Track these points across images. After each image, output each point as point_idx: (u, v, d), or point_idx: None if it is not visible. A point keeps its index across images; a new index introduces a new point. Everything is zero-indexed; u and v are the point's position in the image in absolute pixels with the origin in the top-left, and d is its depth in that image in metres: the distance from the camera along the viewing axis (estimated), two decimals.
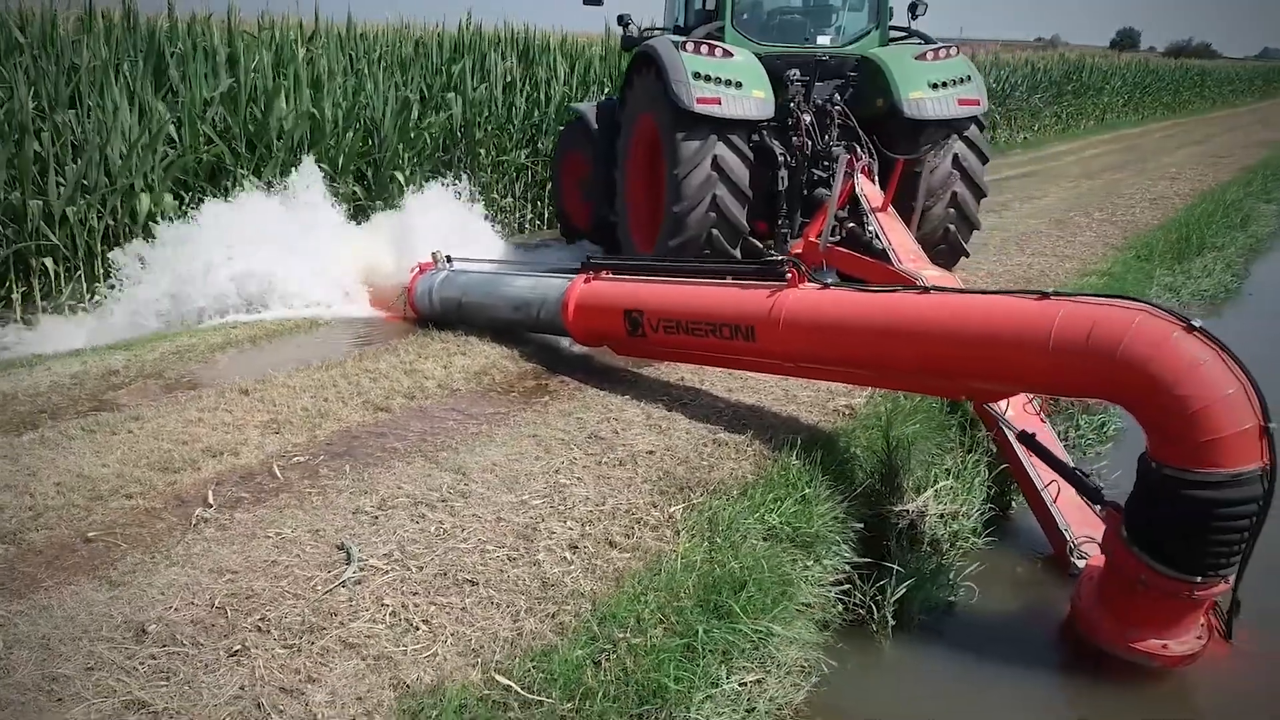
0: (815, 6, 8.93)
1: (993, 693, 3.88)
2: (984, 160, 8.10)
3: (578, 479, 4.28)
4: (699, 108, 7.24)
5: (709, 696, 3.10)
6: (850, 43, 8.54)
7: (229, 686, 2.74)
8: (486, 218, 9.72)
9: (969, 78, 7.94)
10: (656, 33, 9.28)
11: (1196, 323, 3.59)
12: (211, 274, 7.51)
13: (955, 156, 7.90)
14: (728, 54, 7.56)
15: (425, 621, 3.11)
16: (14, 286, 7.35)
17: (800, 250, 7.42)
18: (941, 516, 4.78)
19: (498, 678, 2.84)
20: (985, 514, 5.09)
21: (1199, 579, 3.67)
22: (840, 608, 4.15)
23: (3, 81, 7.53)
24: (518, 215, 13.52)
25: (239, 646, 2.92)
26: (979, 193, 8.10)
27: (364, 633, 3.03)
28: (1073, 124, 28.41)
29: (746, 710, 3.22)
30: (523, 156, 13.01)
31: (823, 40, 8.52)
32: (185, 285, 7.50)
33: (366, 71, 11.20)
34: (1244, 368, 3.53)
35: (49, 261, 7.42)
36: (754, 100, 7.44)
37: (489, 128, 12.61)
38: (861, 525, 4.45)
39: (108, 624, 3.02)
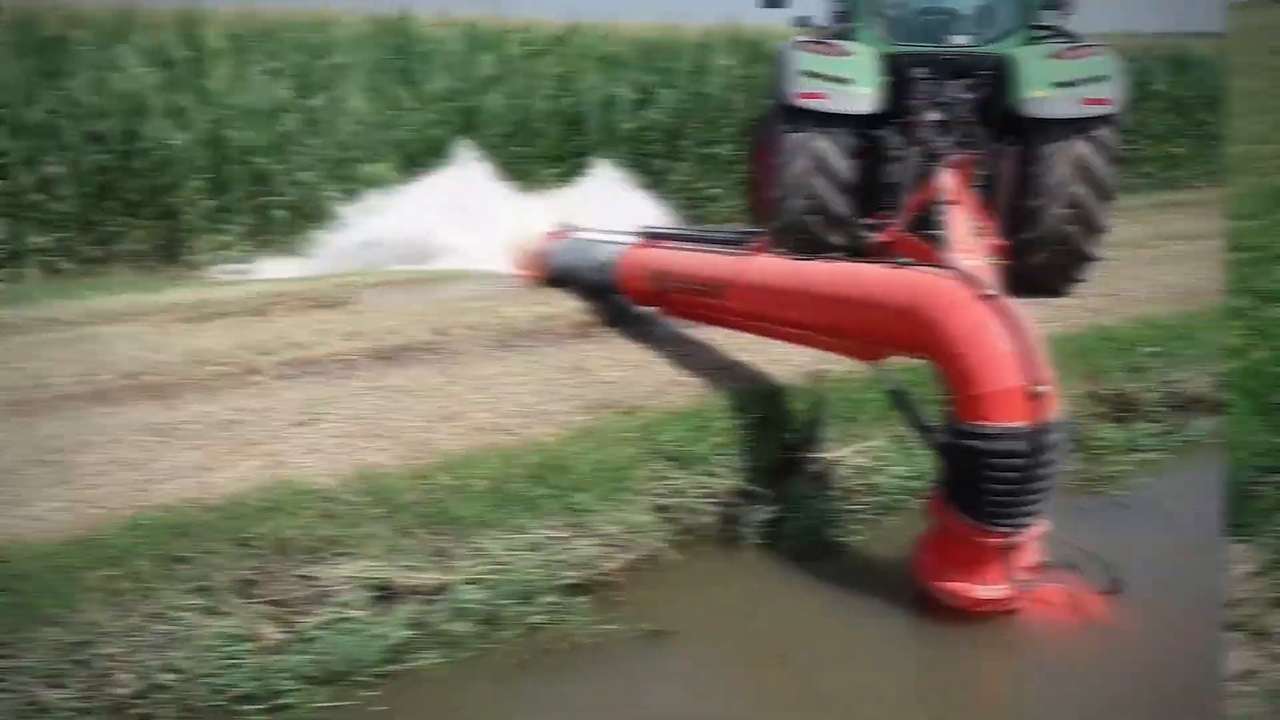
0: (954, 7, 9.15)
1: (806, 610, 4.45)
2: (1113, 162, 8.01)
3: (530, 390, 5.35)
4: (800, 102, 7.94)
5: (509, 536, 4.09)
6: (990, 42, 8.73)
7: (173, 460, 4.19)
8: (646, 196, 10.87)
9: (1104, 77, 7.89)
10: None
11: (991, 290, 4.02)
12: (400, 230, 9.33)
13: (1077, 157, 7.92)
14: (844, 52, 8.16)
15: (323, 450, 4.37)
16: (258, 232, 9.61)
17: (887, 237, 7.90)
18: (858, 468, 5.31)
19: (328, 480, 4.04)
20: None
21: (984, 527, 4.08)
22: (711, 519, 4.90)
23: (271, 73, 9.82)
24: (726, 204, 14.55)
25: (199, 442, 4.35)
26: (1104, 195, 8.02)
27: (280, 449, 4.37)
28: None
29: (548, 557, 4.16)
30: (730, 151, 14.02)
31: (959, 40, 8.77)
32: (380, 238, 9.38)
33: (589, 69, 12.76)
34: (1025, 336, 3.92)
35: (282, 213, 9.61)
36: (859, 96, 7.99)
37: (700, 123, 13.75)
38: (760, 458, 5.11)
39: (140, 424, 4.59)
